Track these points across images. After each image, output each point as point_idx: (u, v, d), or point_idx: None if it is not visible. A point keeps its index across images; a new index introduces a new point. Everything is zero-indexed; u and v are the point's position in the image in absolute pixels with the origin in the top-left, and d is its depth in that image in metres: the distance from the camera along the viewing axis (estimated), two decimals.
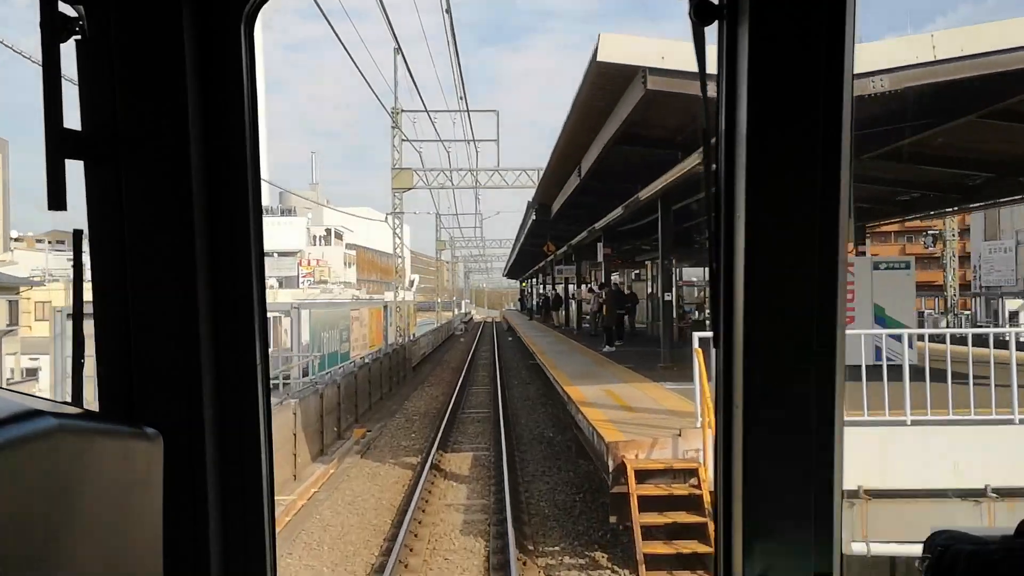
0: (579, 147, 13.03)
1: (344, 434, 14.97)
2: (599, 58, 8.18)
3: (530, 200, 23.27)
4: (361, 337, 21.91)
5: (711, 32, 1.12)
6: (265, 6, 1.14)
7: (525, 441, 13.96)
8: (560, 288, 35.01)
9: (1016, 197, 15.68)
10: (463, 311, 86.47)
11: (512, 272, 71.40)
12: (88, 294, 1.09)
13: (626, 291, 24.93)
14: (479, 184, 29.88)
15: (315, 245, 64.45)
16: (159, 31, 1.07)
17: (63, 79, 0.98)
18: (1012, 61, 7.00)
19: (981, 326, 27.81)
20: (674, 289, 18.43)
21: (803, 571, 1.15)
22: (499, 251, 67.28)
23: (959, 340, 8.45)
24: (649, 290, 24.04)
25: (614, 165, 12.77)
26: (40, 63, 0.97)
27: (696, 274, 25.86)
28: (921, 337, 10.12)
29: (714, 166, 1.16)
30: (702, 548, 6.48)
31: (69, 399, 1.08)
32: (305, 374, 16.40)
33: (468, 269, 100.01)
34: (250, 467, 1.16)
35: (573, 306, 28.62)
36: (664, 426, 7.81)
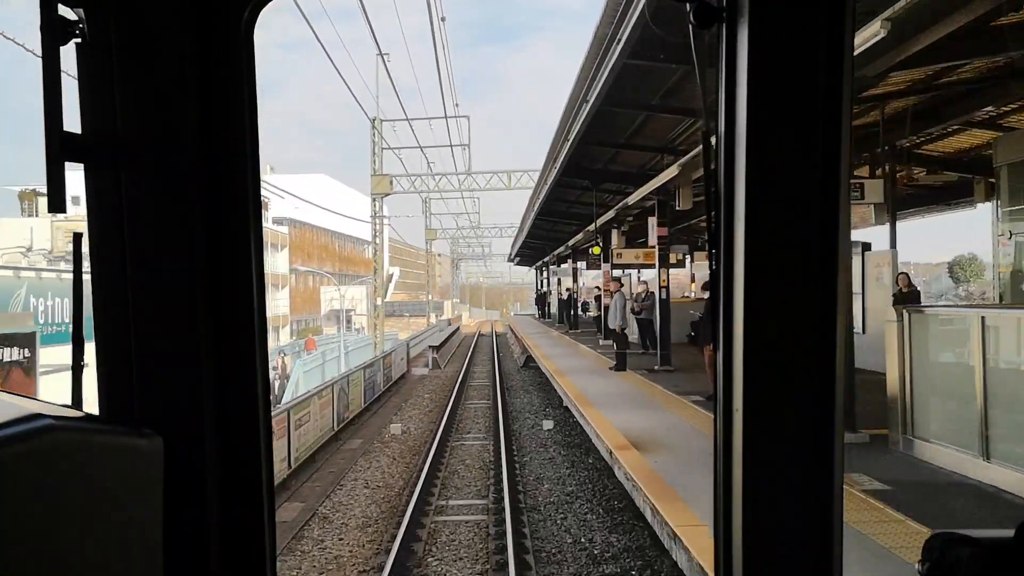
0: None
1: None
2: None
3: None
4: None
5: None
6: (265, 8, 1.26)
7: None
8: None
9: None
10: (447, 316, 63.12)
11: (525, 253, 53.85)
12: (88, 297, 1.22)
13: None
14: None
15: None
16: (159, 34, 1.17)
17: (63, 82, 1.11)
18: None
19: None
20: None
21: (803, 572, 1.21)
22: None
23: None
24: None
25: None
26: (41, 65, 1.08)
27: None
28: None
29: (713, 166, 1.26)
30: None
31: (69, 402, 1.21)
32: None
33: (457, 256, 77.52)
34: (250, 470, 1.26)
35: None
36: None
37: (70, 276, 1.25)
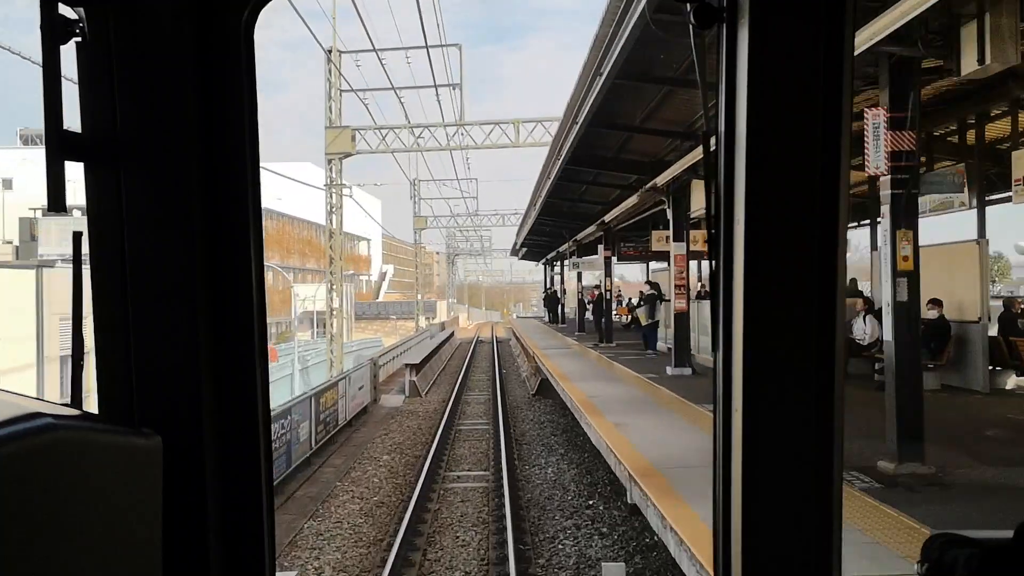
0: None
1: None
2: None
3: None
4: None
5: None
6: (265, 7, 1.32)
7: None
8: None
9: None
10: (441, 319, 55.83)
11: (533, 242, 43.15)
12: (88, 296, 1.28)
13: None
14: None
15: None
16: (159, 33, 1.20)
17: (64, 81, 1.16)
18: None
19: None
20: None
21: (803, 572, 1.23)
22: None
23: None
24: None
25: None
26: (41, 65, 1.13)
27: None
28: None
29: (713, 167, 1.29)
30: None
31: (68, 401, 1.26)
32: None
33: (453, 251, 70.17)
34: (249, 469, 1.28)
35: None
36: None
37: None
